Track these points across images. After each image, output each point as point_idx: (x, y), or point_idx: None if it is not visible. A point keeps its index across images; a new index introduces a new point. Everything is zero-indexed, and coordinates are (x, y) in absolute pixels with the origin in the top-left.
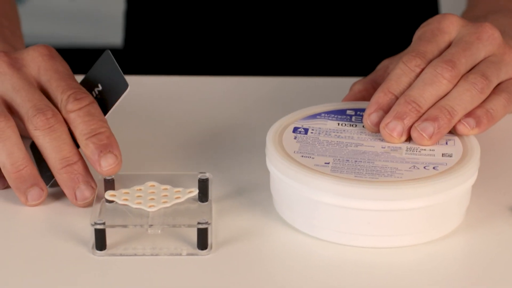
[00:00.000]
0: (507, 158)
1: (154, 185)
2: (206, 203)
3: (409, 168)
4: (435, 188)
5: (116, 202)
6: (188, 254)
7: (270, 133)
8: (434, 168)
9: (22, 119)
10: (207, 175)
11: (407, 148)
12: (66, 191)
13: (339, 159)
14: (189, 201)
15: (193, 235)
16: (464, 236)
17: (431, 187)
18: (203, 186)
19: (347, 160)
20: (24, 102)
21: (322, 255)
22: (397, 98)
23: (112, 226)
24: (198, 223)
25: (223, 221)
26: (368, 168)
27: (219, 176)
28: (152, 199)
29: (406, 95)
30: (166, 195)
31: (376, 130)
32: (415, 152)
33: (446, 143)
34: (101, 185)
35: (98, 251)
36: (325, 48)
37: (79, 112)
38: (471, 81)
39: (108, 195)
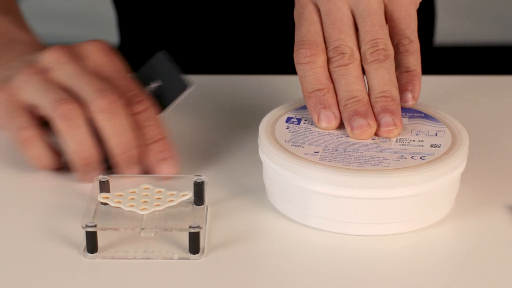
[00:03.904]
0: (495, 148)
1: (148, 188)
2: (201, 206)
3: (397, 158)
4: (420, 177)
5: (109, 205)
6: (179, 258)
7: (263, 122)
8: (421, 158)
9: (84, 101)
10: (203, 178)
11: (397, 140)
12: (123, 172)
13: (328, 149)
14: (184, 205)
15: (186, 239)
16: (453, 225)
17: (416, 176)
18: (198, 189)
19: (337, 150)
20: (87, 85)
21: (318, 258)
22: (323, 89)
23: (103, 229)
24: (190, 227)
25: (217, 225)
26: (356, 158)
27: (216, 179)
28: (145, 202)
29: (344, 95)
30: (159, 198)
31: (334, 127)
32: (404, 143)
33: (436, 134)
34: (96, 187)
35: (89, 254)
36: None
37: (142, 114)
38: (371, 60)
39: (101, 197)
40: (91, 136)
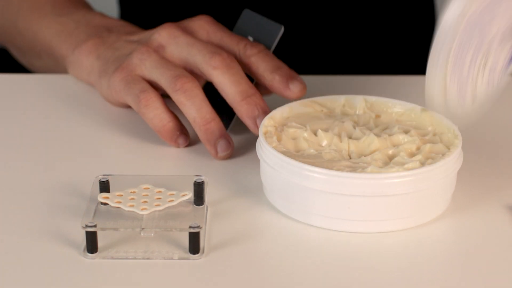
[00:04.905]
0: (493, 147)
1: (148, 188)
2: (201, 206)
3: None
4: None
5: (109, 205)
6: (179, 258)
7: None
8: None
9: (199, 65)
10: (203, 178)
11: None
12: (247, 122)
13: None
14: (184, 204)
15: (186, 239)
16: (449, 222)
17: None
18: (199, 189)
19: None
20: (200, 50)
21: (317, 257)
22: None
23: (103, 229)
24: (190, 227)
25: (217, 225)
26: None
27: (216, 179)
28: (145, 202)
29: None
30: (159, 198)
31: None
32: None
33: None
34: (95, 187)
35: (89, 254)
36: (322, 47)
37: (258, 54)
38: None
39: (101, 197)
40: (209, 103)
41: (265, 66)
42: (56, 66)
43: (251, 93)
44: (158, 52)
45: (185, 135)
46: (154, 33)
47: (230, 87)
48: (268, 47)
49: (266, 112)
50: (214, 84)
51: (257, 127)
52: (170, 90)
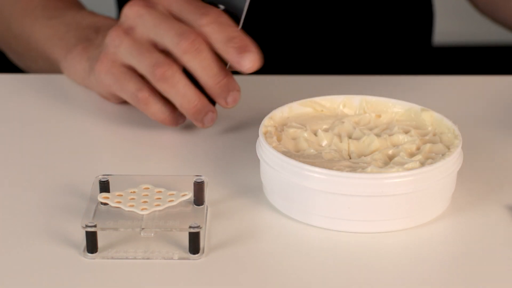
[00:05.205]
0: (494, 148)
1: (148, 188)
2: (201, 206)
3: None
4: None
5: (109, 205)
6: (179, 258)
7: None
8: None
9: (168, 48)
10: (203, 178)
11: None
12: (220, 102)
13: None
14: (184, 205)
15: (186, 239)
16: (449, 222)
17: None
18: (199, 189)
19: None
20: (166, 32)
21: (317, 257)
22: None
23: (103, 229)
24: (190, 227)
25: (217, 225)
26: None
27: (216, 179)
28: (145, 202)
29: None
30: (159, 198)
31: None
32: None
33: None
34: (95, 187)
35: (89, 254)
36: (322, 47)
37: (211, 25)
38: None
39: (101, 197)
40: (192, 85)
41: (217, 38)
42: (52, 70)
43: (222, 76)
44: (129, 34)
45: (184, 118)
46: (122, 14)
47: (202, 72)
48: (238, 15)
49: (238, 91)
50: (186, 68)
51: (228, 105)
52: (151, 79)
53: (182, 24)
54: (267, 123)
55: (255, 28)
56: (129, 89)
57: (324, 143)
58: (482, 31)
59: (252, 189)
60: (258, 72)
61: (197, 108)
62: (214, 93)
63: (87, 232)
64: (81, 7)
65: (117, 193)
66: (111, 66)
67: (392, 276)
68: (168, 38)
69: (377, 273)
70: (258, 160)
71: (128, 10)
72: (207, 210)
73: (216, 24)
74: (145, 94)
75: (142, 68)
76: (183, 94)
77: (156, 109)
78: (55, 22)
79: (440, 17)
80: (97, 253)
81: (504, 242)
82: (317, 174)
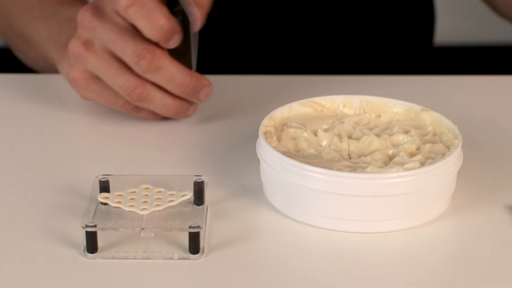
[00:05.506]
0: (495, 148)
1: (148, 188)
2: (201, 206)
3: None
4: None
5: (109, 205)
6: (179, 258)
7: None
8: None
9: (129, 66)
10: (203, 178)
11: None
12: (192, 101)
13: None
14: (184, 205)
15: (186, 239)
16: (449, 222)
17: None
18: (198, 189)
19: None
20: (123, 51)
21: (317, 257)
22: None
23: (103, 229)
24: (190, 227)
25: (217, 225)
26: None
27: (216, 179)
28: (145, 202)
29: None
30: (159, 198)
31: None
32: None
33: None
34: (95, 187)
35: (89, 254)
36: (322, 47)
37: (133, 13)
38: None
39: (101, 197)
40: (168, 94)
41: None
42: (53, 69)
43: (187, 82)
44: (89, 49)
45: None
46: (77, 21)
47: (167, 85)
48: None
49: (208, 86)
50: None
51: (202, 101)
52: (129, 100)
53: (136, 38)
54: (267, 123)
55: (255, 28)
56: (115, 105)
57: (324, 143)
58: (483, 31)
59: (252, 189)
60: (258, 72)
61: (178, 112)
62: (185, 97)
63: (87, 232)
64: (73, 1)
65: (117, 193)
66: (85, 83)
67: (392, 276)
68: (126, 57)
69: (377, 273)
70: (258, 160)
71: (81, 18)
72: (207, 210)
73: (138, 14)
74: (130, 106)
75: (117, 88)
76: (161, 106)
77: (146, 112)
78: (50, 22)
79: (441, 17)
80: (97, 253)
81: (504, 242)
82: (317, 174)
